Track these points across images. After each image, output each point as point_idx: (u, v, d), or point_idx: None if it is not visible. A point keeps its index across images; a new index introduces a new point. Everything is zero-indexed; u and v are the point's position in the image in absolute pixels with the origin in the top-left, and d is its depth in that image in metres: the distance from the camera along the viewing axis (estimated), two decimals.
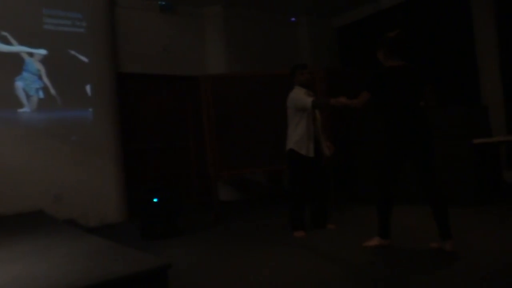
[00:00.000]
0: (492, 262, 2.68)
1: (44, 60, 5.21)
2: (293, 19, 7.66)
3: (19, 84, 5.04)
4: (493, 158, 4.90)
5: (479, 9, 5.99)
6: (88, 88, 5.46)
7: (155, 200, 4.22)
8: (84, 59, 5.46)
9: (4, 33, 4.96)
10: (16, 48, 5.07)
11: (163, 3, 6.45)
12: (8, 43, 4.99)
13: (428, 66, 6.54)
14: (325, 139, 4.08)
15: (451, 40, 6.33)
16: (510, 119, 5.77)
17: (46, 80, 5.21)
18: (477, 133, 4.70)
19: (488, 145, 4.73)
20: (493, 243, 3.08)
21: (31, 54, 5.15)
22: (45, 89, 5.20)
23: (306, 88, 4.00)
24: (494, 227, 3.65)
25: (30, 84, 5.12)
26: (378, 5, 7.10)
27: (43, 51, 5.22)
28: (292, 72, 4.07)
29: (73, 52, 5.40)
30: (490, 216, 4.07)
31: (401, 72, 3.07)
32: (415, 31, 6.71)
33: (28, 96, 5.09)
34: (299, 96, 3.90)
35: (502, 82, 5.84)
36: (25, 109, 5.07)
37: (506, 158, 5.63)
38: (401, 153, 3.10)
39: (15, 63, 5.03)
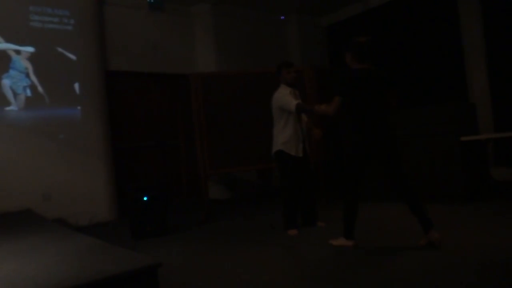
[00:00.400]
0: (485, 257, 2.71)
1: (31, 58, 5.15)
2: (282, 17, 7.67)
3: (6, 82, 4.97)
4: (481, 155, 4.97)
5: (465, 8, 6.06)
6: (76, 86, 5.40)
7: (145, 198, 4.20)
8: (72, 56, 5.40)
9: None
10: (3, 45, 4.99)
11: (152, 1, 6.41)
12: None
13: (415, 64, 6.61)
14: (313, 128, 4.13)
15: (438, 38, 6.39)
16: (497, 117, 5.85)
17: (33, 78, 5.15)
18: (465, 131, 4.76)
19: (476, 142, 4.79)
20: (484, 239, 3.12)
21: (18, 52, 5.08)
22: (32, 87, 5.14)
23: (292, 86, 4.00)
24: (484, 223, 3.70)
25: (17, 82, 5.05)
26: (367, 4, 7.15)
27: (30, 49, 5.15)
28: (278, 70, 4.05)
29: (60, 50, 5.34)
30: (480, 213, 4.12)
31: (367, 75, 3.19)
32: (402, 30, 6.78)
33: (15, 94, 5.03)
34: (284, 97, 3.89)
35: (489, 80, 5.92)
36: (12, 107, 5.00)
37: (494, 156, 5.71)
38: (367, 153, 3.19)
39: (2, 61, 4.96)
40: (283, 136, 3.91)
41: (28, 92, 5.11)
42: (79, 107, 5.39)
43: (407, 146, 5.09)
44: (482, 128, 5.58)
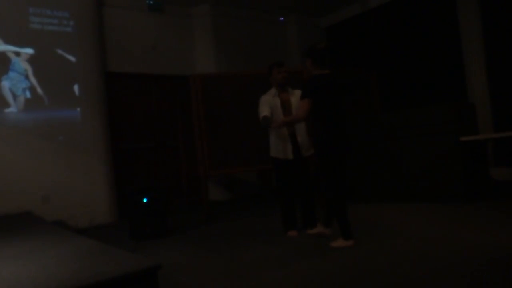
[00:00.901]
0: (485, 257, 2.71)
1: (31, 60, 5.15)
2: (281, 18, 7.67)
3: (5, 84, 4.97)
4: (480, 155, 4.97)
5: (464, 8, 6.06)
6: (76, 87, 5.40)
7: (144, 200, 4.20)
8: (71, 58, 5.40)
9: None
10: (2, 47, 4.99)
11: (151, 2, 6.41)
12: None
13: (415, 65, 6.62)
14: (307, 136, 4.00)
15: (437, 39, 6.39)
16: (496, 117, 5.85)
17: (33, 79, 5.15)
18: (465, 131, 4.76)
19: (476, 142, 4.79)
20: (485, 239, 3.12)
21: (17, 54, 5.08)
22: (32, 88, 5.13)
23: (282, 86, 3.97)
24: (484, 223, 3.69)
25: (17, 83, 5.05)
26: (366, 4, 7.15)
27: (30, 50, 5.15)
28: (269, 70, 4.03)
29: (60, 51, 5.34)
30: (480, 213, 4.12)
31: (328, 80, 3.35)
32: (401, 31, 6.78)
33: (15, 96, 5.03)
34: (262, 104, 3.93)
35: (488, 80, 5.92)
36: (12, 109, 5.00)
37: (493, 155, 5.71)
38: (337, 153, 3.35)
39: (1, 63, 4.96)
40: (272, 141, 3.97)
41: (28, 94, 5.11)
42: (78, 109, 5.39)
43: (407, 146, 5.11)
44: (482, 128, 5.58)
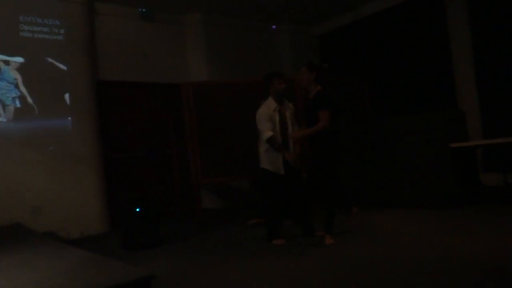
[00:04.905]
0: (475, 262, 2.73)
1: (21, 68, 5.10)
2: (274, 26, 7.72)
3: None
4: (470, 161, 5.03)
5: (454, 18, 6.16)
6: (67, 96, 5.36)
7: (137, 209, 4.16)
8: (62, 67, 5.37)
9: None
10: None
11: (143, 10, 6.41)
12: None
13: (406, 73, 6.70)
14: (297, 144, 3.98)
15: (428, 48, 6.48)
16: (485, 124, 5.93)
17: (23, 88, 5.10)
18: (455, 138, 4.83)
19: (466, 149, 4.86)
20: (475, 244, 3.15)
21: (7, 62, 5.03)
22: (22, 98, 5.08)
23: (282, 97, 3.93)
24: (474, 228, 3.73)
25: (6, 93, 5.00)
26: (358, 13, 7.23)
27: (19, 59, 5.11)
28: (268, 80, 3.95)
29: (51, 60, 5.30)
30: (470, 218, 4.16)
31: (330, 96, 3.78)
32: (392, 39, 6.87)
33: (4, 106, 4.97)
34: (262, 120, 3.86)
35: (477, 87, 6.01)
36: (1, 119, 4.94)
37: (483, 161, 5.78)
38: (336, 160, 3.84)
39: None
40: (264, 153, 3.90)
41: (18, 103, 5.05)
42: (69, 118, 5.35)
43: (398, 153, 5.16)
44: (471, 134, 5.65)
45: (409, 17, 6.63)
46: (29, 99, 5.12)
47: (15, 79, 5.07)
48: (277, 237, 3.91)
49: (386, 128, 5.36)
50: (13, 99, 5.04)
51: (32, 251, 3.28)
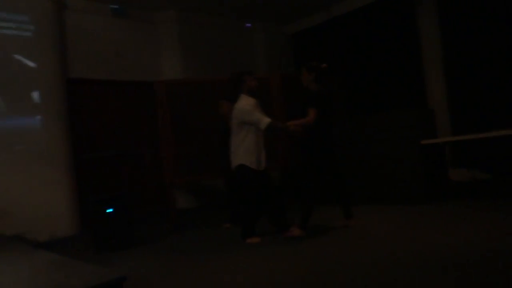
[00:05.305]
0: (445, 257, 2.81)
1: None
2: (248, 24, 7.72)
3: None
4: (439, 158, 5.19)
5: (424, 17, 6.32)
6: (36, 94, 5.20)
7: (109, 210, 4.09)
8: (31, 64, 5.20)
9: None
10: None
11: (115, 7, 6.29)
12: None
13: (377, 71, 6.83)
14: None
15: (398, 47, 6.63)
16: (454, 121, 6.12)
17: None
18: (425, 135, 4.97)
19: (435, 145, 5.01)
20: (445, 238, 3.24)
21: None
22: None
23: (253, 95, 3.94)
24: (443, 223, 3.84)
25: None
26: (330, 12, 7.32)
27: None
28: (239, 78, 3.94)
29: (18, 57, 5.13)
30: (439, 213, 4.28)
31: (324, 94, 3.97)
32: (363, 38, 6.98)
33: None
34: (251, 112, 3.80)
35: (446, 86, 6.19)
36: None
37: (451, 158, 5.96)
38: (326, 157, 4.02)
39: None
40: (244, 149, 3.85)
41: None
42: (38, 116, 5.19)
43: (369, 151, 5.27)
44: (440, 132, 5.81)
45: (380, 16, 6.76)
46: None
47: None
48: (252, 235, 3.92)
49: (358, 125, 5.46)
50: None
51: None
